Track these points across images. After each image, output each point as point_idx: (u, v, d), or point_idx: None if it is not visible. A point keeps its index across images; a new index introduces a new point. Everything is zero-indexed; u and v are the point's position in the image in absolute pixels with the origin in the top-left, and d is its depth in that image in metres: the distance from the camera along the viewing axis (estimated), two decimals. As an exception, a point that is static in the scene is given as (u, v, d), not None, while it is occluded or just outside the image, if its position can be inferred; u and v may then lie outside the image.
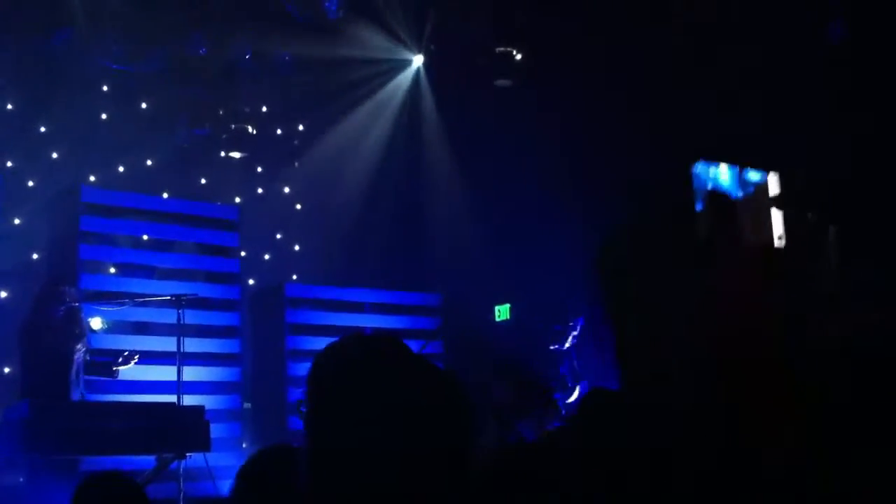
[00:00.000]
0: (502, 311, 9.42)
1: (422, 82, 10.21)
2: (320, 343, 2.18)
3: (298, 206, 10.35)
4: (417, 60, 10.17)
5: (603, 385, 2.41)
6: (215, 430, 6.69)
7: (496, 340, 9.07)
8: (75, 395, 6.81)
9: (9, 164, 8.55)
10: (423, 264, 10.00)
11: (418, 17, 9.79)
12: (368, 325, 9.16)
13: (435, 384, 1.92)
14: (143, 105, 9.50)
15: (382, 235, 9.87)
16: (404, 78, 10.26)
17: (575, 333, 8.04)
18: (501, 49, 9.44)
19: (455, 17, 9.43)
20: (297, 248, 10.23)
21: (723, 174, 1.93)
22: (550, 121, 8.65)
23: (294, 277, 9.94)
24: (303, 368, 2.16)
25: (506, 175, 9.16)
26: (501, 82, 9.44)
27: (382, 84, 10.21)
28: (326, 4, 9.69)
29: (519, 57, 9.37)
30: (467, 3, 9.22)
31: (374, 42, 9.78)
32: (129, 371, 7.15)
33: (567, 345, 8.06)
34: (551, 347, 8.11)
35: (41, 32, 8.68)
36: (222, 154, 9.82)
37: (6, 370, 7.38)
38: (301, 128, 10.45)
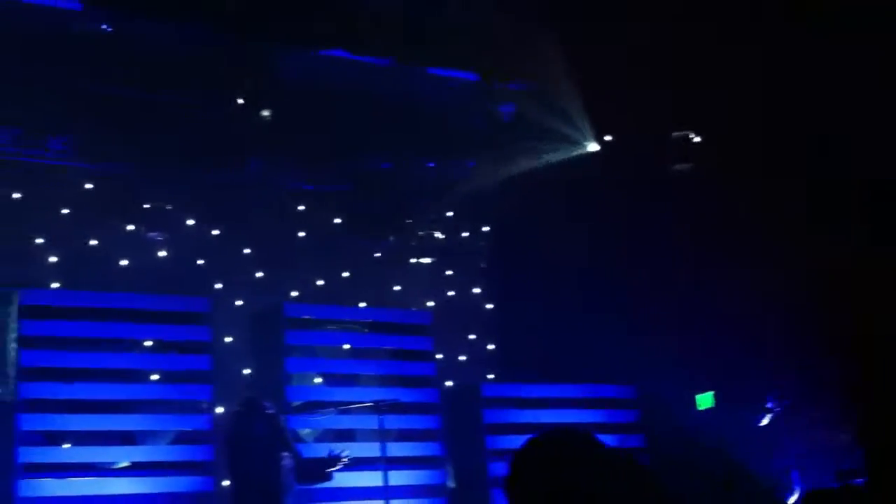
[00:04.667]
0: (704, 400, 9.13)
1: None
2: (519, 442, 2.20)
3: (489, 306, 10.49)
4: (592, 147, 10.18)
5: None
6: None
7: (699, 431, 8.79)
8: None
9: (217, 286, 9.12)
10: (615, 356, 9.85)
11: (591, 104, 9.85)
12: (565, 421, 9.07)
13: (631, 481, 1.90)
14: (336, 220, 9.98)
15: (574, 329, 9.82)
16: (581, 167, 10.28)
17: (778, 410, 7.82)
18: (679, 133, 9.40)
19: (630, 102, 9.45)
20: (490, 347, 10.32)
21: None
22: (735, 200, 8.48)
23: (490, 377, 10.01)
24: (503, 468, 2.18)
25: (691, 259, 9.00)
26: (680, 166, 9.35)
27: (559, 178, 10.27)
28: (501, 109, 9.99)
29: (697, 140, 9.30)
30: (641, 88, 9.23)
31: (549, 136, 9.93)
32: (336, 479, 7.33)
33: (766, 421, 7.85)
34: (760, 424, 7.90)
35: (234, 162, 9.34)
36: (412, 261, 10.14)
37: (224, 484, 7.73)
38: (486, 228, 10.67)
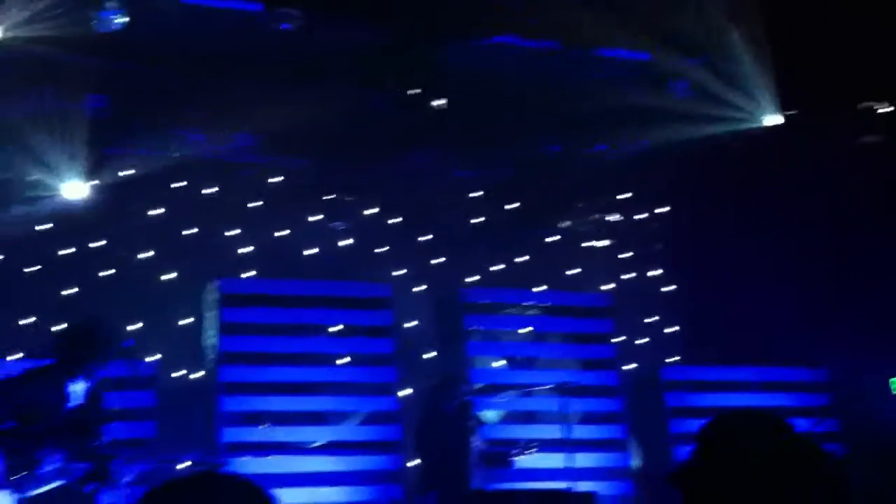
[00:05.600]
0: (901, 383, 8.72)
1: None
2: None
3: (669, 288, 10.32)
4: (773, 120, 9.81)
5: None
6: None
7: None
8: (474, 485, 7.18)
9: (397, 272, 9.37)
10: (805, 339, 9.51)
11: (771, 76, 9.52)
12: (752, 405, 8.84)
13: (811, 467, 1.87)
14: (510, 206, 10.05)
15: (759, 310, 9.55)
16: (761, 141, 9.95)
17: None
18: (865, 104, 9.00)
19: (813, 73, 9.09)
20: (671, 329, 10.16)
21: None
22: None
23: (670, 360, 9.86)
24: (687, 452, 2.17)
25: (884, 236, 8.59)
26: (868, 138, 8.95)
27: (738, 154, 9.98)
28: (675, 86, 9.80)
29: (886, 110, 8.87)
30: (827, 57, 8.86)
31: (723, 114, 9.67)
32: (521, 459, 7.42)
33: None
34: None
35: (410, 152, 9.55)
36: (588, 244, 10.11)
37: (413, 463, 7.95)
38: (663, 209, 10.50)
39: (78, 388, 5.81)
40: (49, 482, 5.49)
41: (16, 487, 5.53)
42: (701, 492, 2.00)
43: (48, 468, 5.48)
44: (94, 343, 5.80)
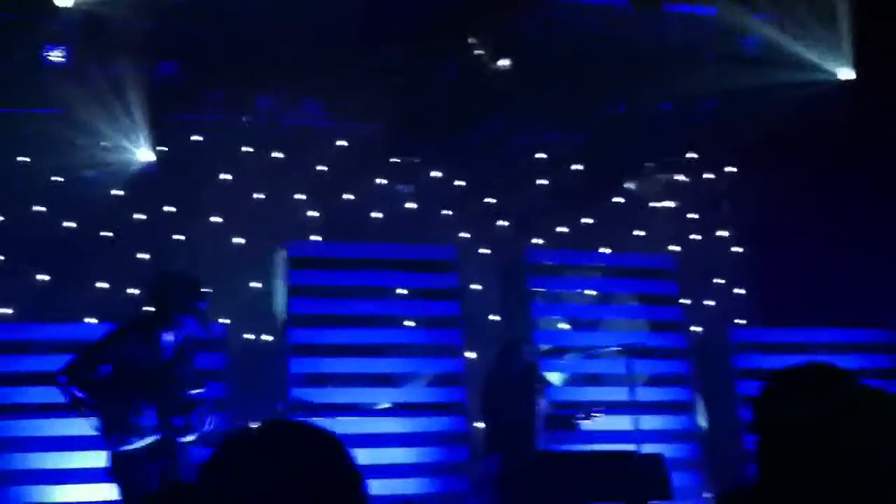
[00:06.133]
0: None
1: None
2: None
3: (737, 249, 10.18)
4: (846, 75, 9.55)
5: None
6: (675, 478, 6.71)
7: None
8: (539, 447, 7.23)
9: (463, 235, 9.40)
10: (877, 299, 9.31)
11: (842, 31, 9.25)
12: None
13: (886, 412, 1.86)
14: (575, 167, 9.98)
15: (830, 271, 9.37)
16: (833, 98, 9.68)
17: None
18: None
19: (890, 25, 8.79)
20: (739, 291, 10.04)
21: None
22: None
23: (739, 322, 9.75)
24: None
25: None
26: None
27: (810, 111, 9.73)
28: (744, 42, 9.60)
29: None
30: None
31: (794, 70, 9.43)
32: (586, 423, 7.43)
33: None
34: None
35: (475, 115, 9.52)
36: (653, 205, 10.01)
37: (478, 425, 8.03)
38: (731, 169, 10.33)
39: (169, 340, 5.97)
40: (145, 437, 5.65)
41: (113, 443, 5.71)
42: (779, 439, 1.99)
43: (144, 422, 5.63)
44: (186, 287, 5.96)
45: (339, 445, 1.78)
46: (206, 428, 5.91)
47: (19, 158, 8.49)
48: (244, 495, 1.65)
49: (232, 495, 1.66)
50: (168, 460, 5.67)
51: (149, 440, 5.65)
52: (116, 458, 5.74)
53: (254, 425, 1.82)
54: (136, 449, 5.67)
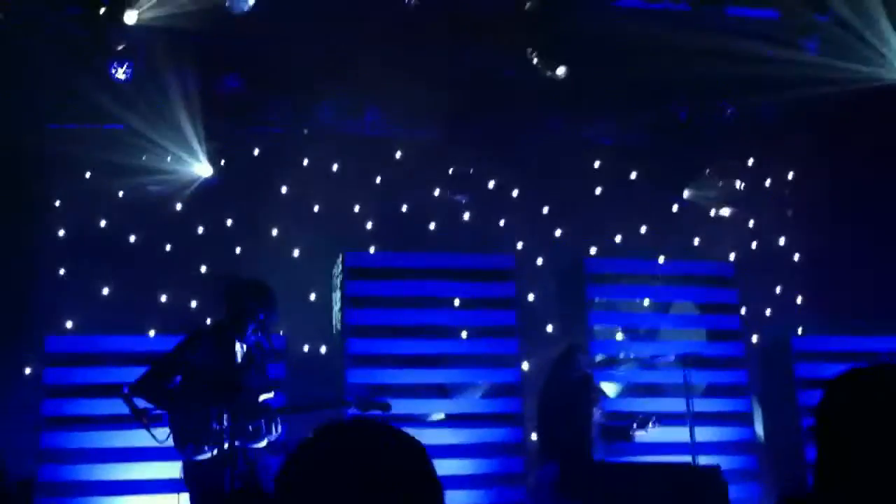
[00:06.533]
0: None
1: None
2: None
3: (797, 256, 10.02)
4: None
5: None
6: (733, 491, 6.67)
7: None
8: (595, 457, 7.22)
9: (520, 244, 9.41)
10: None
11: None
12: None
13: None
14: (633, 174, 9.92)
15: (890, 279, 9.18)
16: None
17: None
18: None
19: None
20: (799, 299, 9.88)
21: None
22: None
23: (800, 330, 9.60)
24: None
25: None
26: None
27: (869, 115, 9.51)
28: (805, 44, 9.44)
29: None
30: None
31: (857, 73, 9.25)
32: (642, 434, 7.40)
33: None
34: None
35: (532, 120, 9.49)
36: (713, 212, 9.89)
37: (532, 437, 8.04)
38: (792, 175, 10.17)
39: (240, 347, 6.09)
40: (217, 443, 5.75)
41: (186, 452, 5.85)
42: (839, 443, 1.99)
43: (216, 429, 5.73)
44: (258, 295, 6.08)
45: (423, 450, 1.72)
46: (276, 434, 6.02)
47: (86, 174, 8.72)
48: (327, 499, 1.63)
49: (314, 499, 1.63)
50: (242, 466, 5.78)
51: (221, 447, 5.75)
52: (189, 466, 5.87)
53: (333, 424, 1.76)
54: (211, 458, 5.78)
